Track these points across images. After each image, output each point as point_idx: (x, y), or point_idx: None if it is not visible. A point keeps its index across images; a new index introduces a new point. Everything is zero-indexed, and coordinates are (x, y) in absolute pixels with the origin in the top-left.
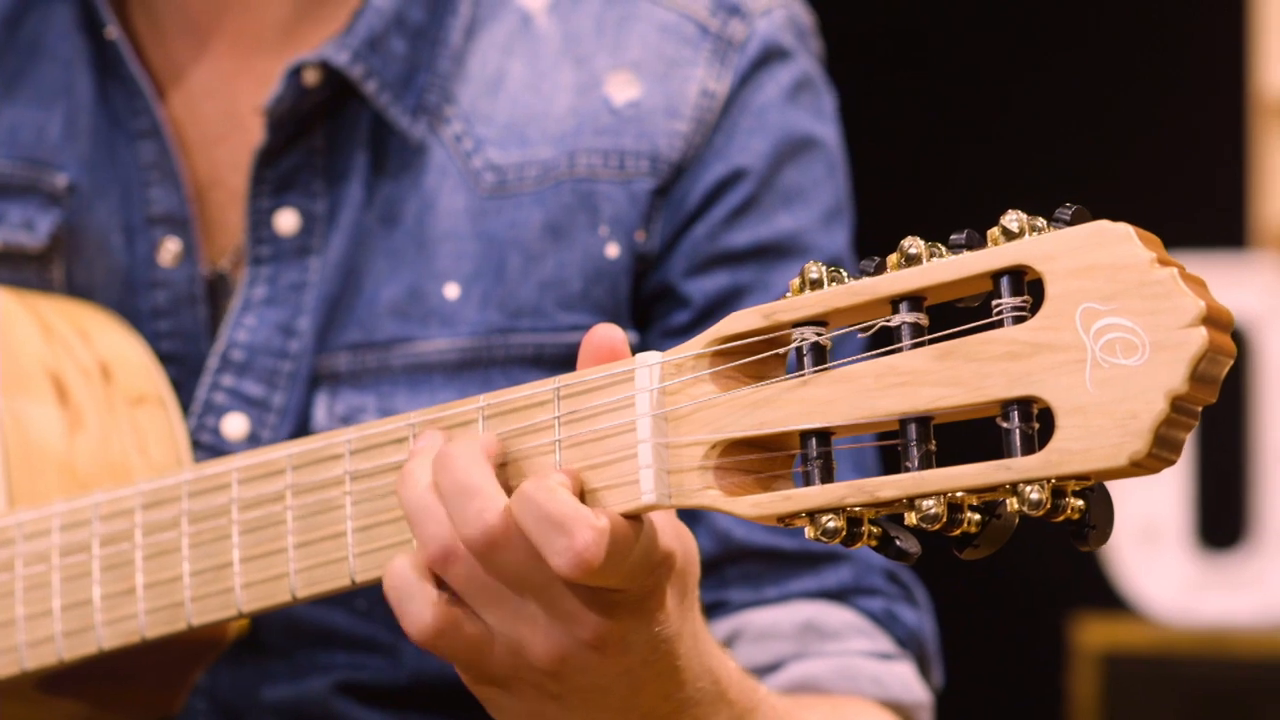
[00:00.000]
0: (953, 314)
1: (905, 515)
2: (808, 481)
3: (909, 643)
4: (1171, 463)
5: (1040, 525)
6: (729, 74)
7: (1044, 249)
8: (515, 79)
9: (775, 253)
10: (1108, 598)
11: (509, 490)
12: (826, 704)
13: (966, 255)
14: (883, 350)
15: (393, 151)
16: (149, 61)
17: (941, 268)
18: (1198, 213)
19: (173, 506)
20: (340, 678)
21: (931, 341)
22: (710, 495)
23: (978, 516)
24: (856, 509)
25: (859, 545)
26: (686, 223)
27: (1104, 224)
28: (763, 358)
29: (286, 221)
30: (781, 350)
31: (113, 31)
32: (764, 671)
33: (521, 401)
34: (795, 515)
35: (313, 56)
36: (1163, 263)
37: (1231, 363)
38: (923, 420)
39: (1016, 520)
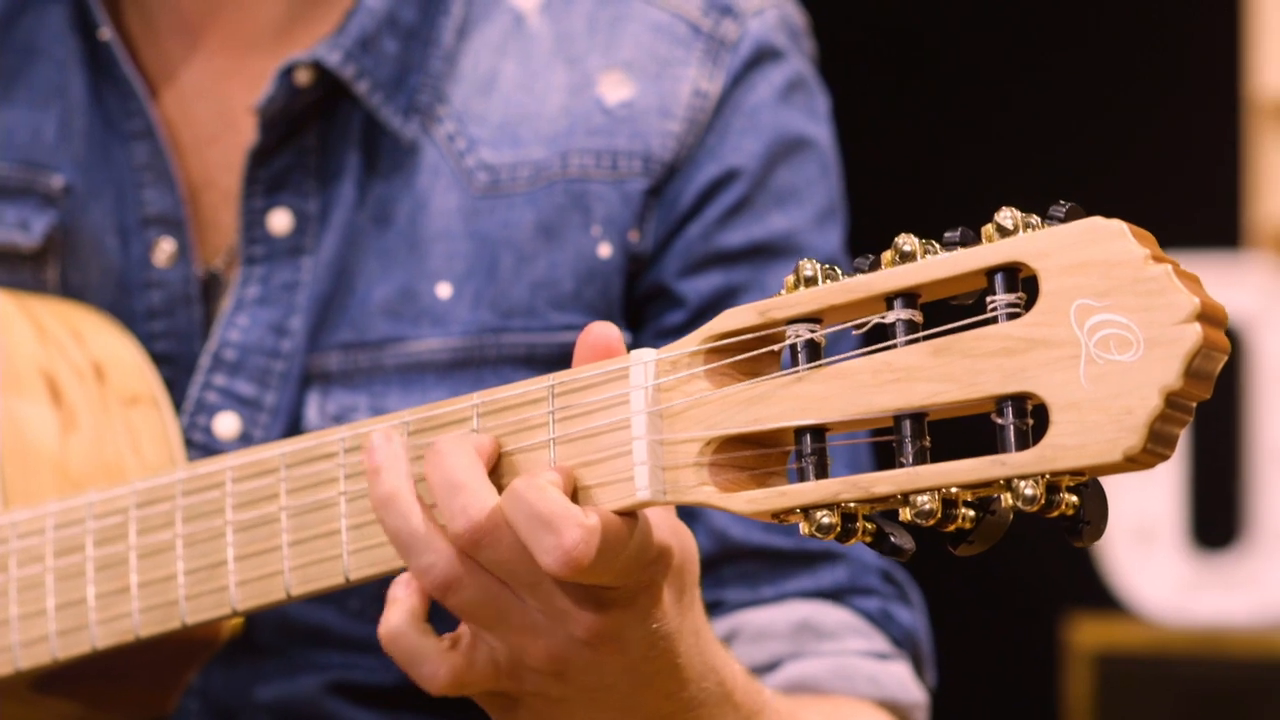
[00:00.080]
0: (947, 311)
1: (900, 511)
2: (802, 477)
3: (904, 642)
4: (1166, 458)
5: (1035, 525)
6: (721, 74)
7: (1038, 246)
8: (508, 79)
9: (769, 253)
10: (1102, 598)
11: (503, 489)
12: (825, 705)
13: (961, 252)
14: (877, 347)
15: (385, 151)
16: (142, 62)
17: (936, 264)
18: (1193, 213)
19: (167, 505)
20: (333, 677)
21: (926, 338)
22: (705, 492)
23: (972, 512)
24: (851, 505)
25: (853, 541)
26: (680, 223)
27: (1098, 220)
28: (757, 355)
29: (279, 221)
30: (776, 347)
31: (106, 32)
32: (760, 671)
33: (516, 399)
34: (790, 511)
35: (305, 56)
36: (1157, 259)
37: (1226, 358)
38: (917, 416)
39: (1011, 516)
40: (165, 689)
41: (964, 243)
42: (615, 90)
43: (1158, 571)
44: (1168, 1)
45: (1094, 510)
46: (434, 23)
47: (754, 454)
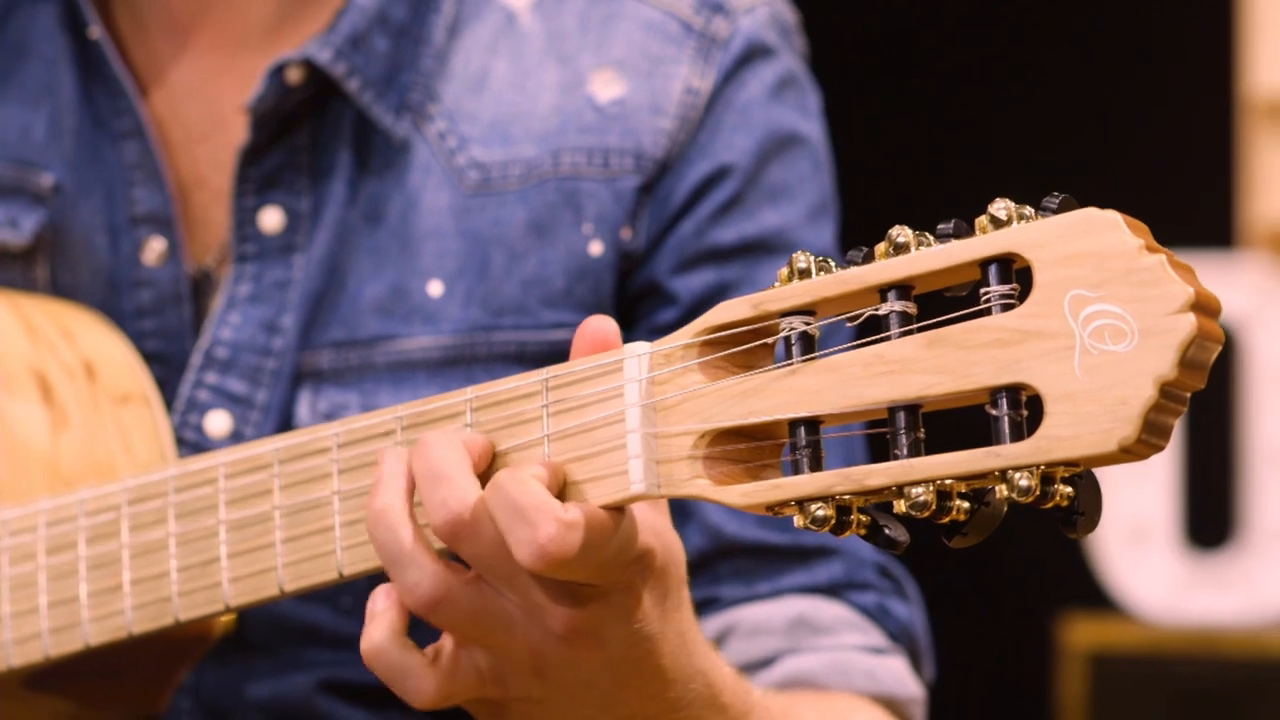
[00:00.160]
0: (941, 303)
1: (894, 503)
2: (796, 470)
3: (901, 637)
4: (1160, 448)
5: (1029, 525)
6: (713, 71)
7: (1032, 237)
8: (499, 77)
9: (761, 249)
10: (1096, 597)
11: None
12: (821, 702)
13: (954, 244)
14: (871, 339)
15: (376, 149)
16: (132, 61)
17: (929, 256)
18: (1188, 212)
19: (159, 502)
20: (324, 675)
21: (920, 330)
22: (699, 485)
23: (966, 504)
24: (845, 497)
25: (848, 534)
26: (672, 220)
27: (1092, 211)
28: (751, 347)
29: (271, 219)
30: (770, 340)
31: (95, 31)
32: (757, 667)
33: (510, 393)
34: (784, 504)
35: (295, 55)
36: (1150, 249)
37: (1220, 348)
38: (911, 408)
39: (1005, 508)
40: (158, 686)
41: (957, 234)
42: (607, 88)
43: (1152, 571)
44: (1162, 2)
45: (1088, 501)
46: (425, 21)
47: (748, 447)
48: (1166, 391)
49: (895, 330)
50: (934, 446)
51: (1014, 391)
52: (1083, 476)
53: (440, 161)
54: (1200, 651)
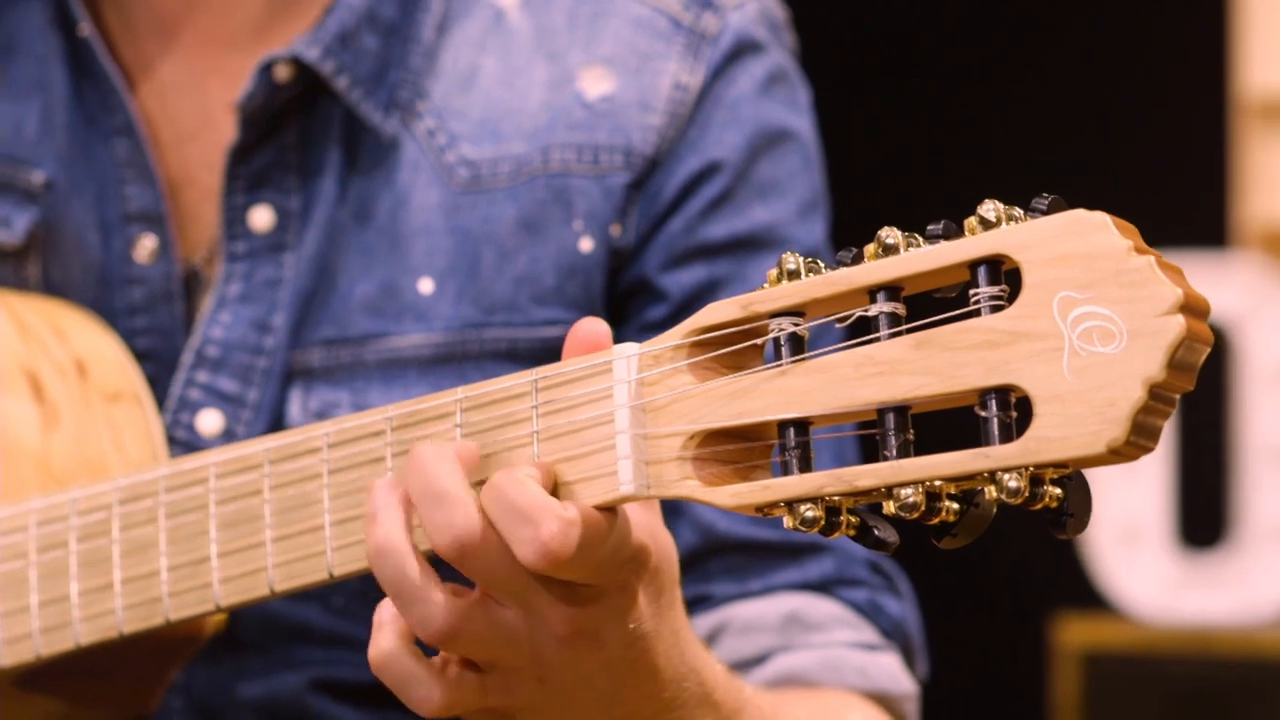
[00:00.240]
0: (931, 304)
1: (884, 504)
2: (786, 471)
3: (894, 633)
4: (1149, 450)
5: (1021, 525)
6: (702, 67)
7: (1021, 238)
8: (488, 75)
9: (752, 245)
10: (1089, 597)
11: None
12: (812, 699)
13: (944, 245)
14: (860, 340)
15: (366, 147)
16: (121, 58)
17: (919, 257)
18: (1181, 212)
19: (150, 501)
20: (315, 674)
21: (909, 331)
22: (689, 486)
23: (956, 505)
24: (835, 498)
25: (837, 535)
26: (662, 216)
27: (1080, 213)
28: (740, 348)
29: (261, 218)
30: (759, 341)
31: (85, 28)
32: (749, 664)
33: (500, 393)
34: (774, 505)
35: (284, 52)
36: (1139, 251)
37: (1209, 350)
38: (900, 409)
39: (995, 509)
40: (149, 686)
41: (947, 235)
42: (596, 85)
43: (1145, 571)
44: (1155, 1)
45: (1077, 503)
46: (413, 19)
47: (738, 448)
48: (1155, 393)
49: (884, 331)
50: (923, 448)
51: (1003, 393)
52: (1072, 478)
53: (430, 159)
54: (1194, 651)
